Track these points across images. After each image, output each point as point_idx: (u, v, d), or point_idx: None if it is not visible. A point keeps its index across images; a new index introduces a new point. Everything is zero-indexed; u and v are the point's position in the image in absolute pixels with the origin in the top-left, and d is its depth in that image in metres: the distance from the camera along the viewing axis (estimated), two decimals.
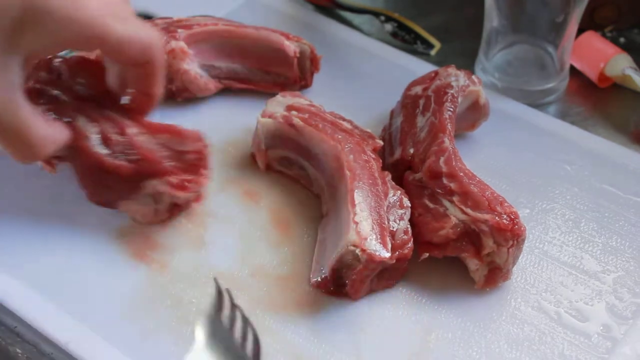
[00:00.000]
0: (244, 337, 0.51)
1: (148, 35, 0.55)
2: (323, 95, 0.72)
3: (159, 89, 0.58)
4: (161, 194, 0.58)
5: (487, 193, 0.57)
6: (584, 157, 0.67)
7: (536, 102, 0.73)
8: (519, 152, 0.67)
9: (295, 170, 0.64)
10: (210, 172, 0.60)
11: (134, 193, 0.58)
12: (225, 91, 0.72)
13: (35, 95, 0.56)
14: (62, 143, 0.55)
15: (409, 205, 0.58)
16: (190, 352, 0.50)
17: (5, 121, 0.50)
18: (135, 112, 0.59)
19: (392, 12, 0.82)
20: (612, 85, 0.75)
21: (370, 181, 0.57)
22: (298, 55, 0.70)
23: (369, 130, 0.64)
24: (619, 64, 0.73)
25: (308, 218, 0.62)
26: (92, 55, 0.66)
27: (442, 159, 0.59)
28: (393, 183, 0.59)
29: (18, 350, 0.54)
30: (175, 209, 0.60)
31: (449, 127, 0.61)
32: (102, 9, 0.51)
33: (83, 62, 0.60)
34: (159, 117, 0.60)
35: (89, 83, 0.59)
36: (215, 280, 0.53)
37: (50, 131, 0.53)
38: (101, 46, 0.52)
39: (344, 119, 0.63)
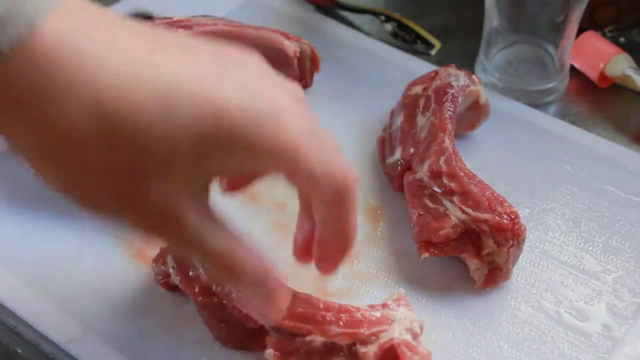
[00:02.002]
0: None
1: (343, 171, 0.45)
2: (323, 95, 0.72)
3: (354, 233, 0.47)
4: None
5: (488, 193, 0.57)
6: (584, 157, 0.67)
7: (536, 102, 0.73)
8: (519, 152, 0.67)
9: None
10: None
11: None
12: None
13: None
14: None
15: None
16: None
17: (210, 247, 0.42)
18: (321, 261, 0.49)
19: (392, 12, 0.82)
20: (612, 85, 0.75)
21: None
22: (298, 55, 0.70)
23: (368, 129, 0.64)
24: (619, 64, 0.73)
25: None
26: None
27: (442, 159, 0.59)
28: None
29: (18, 350, 0.54)
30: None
31: (449, 127, 0.61)
32: (302, 132, 0.42)
33: None
34: None
35: None
36: None
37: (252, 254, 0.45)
38: (294, 174, 0.44)
39: None
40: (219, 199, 0.63)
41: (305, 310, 0.50)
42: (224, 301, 0.51)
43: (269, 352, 0.49)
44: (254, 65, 0.44)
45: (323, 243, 0.48)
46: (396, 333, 0.49)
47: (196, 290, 0.52)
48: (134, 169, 0.39)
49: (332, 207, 0.46)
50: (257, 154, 0.41)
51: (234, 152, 0.40)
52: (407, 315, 0.50)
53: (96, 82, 0.37)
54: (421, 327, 0.51)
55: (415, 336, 0.50)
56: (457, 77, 0.65)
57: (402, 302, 0.52)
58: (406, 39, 0.80)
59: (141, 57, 0.39)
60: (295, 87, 0.45)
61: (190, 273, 0.52)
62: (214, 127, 0.39)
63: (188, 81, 0.39)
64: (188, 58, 0.40)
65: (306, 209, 0.49)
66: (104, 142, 0.37)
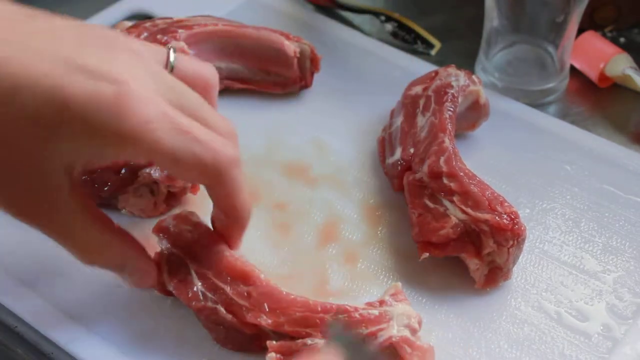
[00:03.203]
0: None
1: (212, 152, 0.45)
2: (323, 95, 0.72)
3: (242, 213, 0.50)
4: (158, 185, 0.59)
5: (488, 193, 0.57)
6: (584, 157, 0.67)
7: (536, 102, 0.73)
8: (519, 152, 0.67)
9: None
10: None
11: (130, 184, 0.58)
12: (225, 91, 0.72)
13: None
14: (125, 253, 0.50)
15: None
16: None
17: (52, 227, 0.46)
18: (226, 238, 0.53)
19: (392, 12, 0.82)
20: (612, 85, 0.75)
21: None
22: (298, 55, 0.70)
23: (368, 129, 0.64)
24: (619, 64, 0.73)
25: (309, 218, 0.62)
26: None
27: (442, 159, 0.59)
28: None
29: (18, 351, 0.54)
30: (173, 200, 0.61)
31: (449, 127, 0.61)
32: (152, 121, 0.43)
33: None
34: None
35: None
36: None
37: (107, 237, 0.48)
38: (155, 162, 0.46)
39: None
40: None
41: (304, 314, 0.50)
42: (218, 306, 0.51)
43: (271, 355, 0.49)
44: (122, 43, 0.46)
45: (215, 220, 0.52)
46: (394, 330, 0.49)
47: (189, 295, 0.52)
48: None
49: (210, 189, 0.47)
50: (104, 142, 0.42)
51: (80, 140, 0.42)
52: (405, 310, 0.51)
53: None
54: (419, 322, 0.51)
55: (414, 332, 0.50)
56: (457, 77, 0.65)
57: (399, 296, 0.52)
58: (406, 39, 0.80)
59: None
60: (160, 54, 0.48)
61: (183, 279, 0.52)
62: (57, 115, 0.41)
63: (38, 66, 0.41)
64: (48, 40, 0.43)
65: None
66: None
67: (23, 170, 0.44)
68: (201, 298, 0.52)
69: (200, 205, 0.60)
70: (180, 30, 0.68)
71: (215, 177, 0.46)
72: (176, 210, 0.61)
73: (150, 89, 0.44)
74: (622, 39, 0.80)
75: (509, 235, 0.55)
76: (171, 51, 0.49)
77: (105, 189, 0.59)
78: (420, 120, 0.63)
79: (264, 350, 0.50)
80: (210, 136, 0.46)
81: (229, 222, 0.52)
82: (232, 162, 0.46)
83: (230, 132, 0.48)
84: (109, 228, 0.48)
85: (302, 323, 0.50)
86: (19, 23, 0.44)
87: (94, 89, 0.42)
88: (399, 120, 0.64)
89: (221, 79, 0.71)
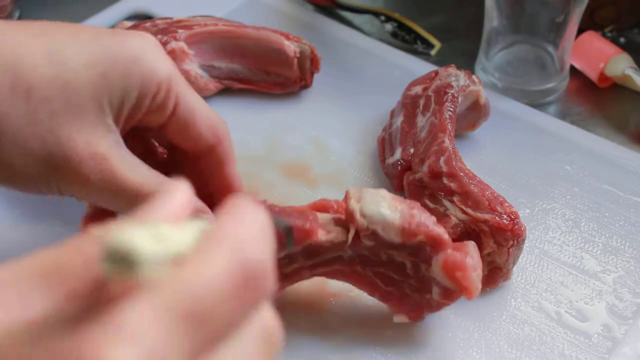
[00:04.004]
0: None
1: (219, 117, 0.50)
2: (323, 95, 0.72)
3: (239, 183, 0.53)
4: None
5: (488, 193, 0.57)
6: (584, 157, 0.67)
7: (536, 102, 0.73)
8: (519, 152, 0.67)
9: None
10: None
11: None
12: (225, 91, 0.72)
13: None
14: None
15: None
16: None
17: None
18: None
19: (392, 12, 0.82)
20: (612, 85, 0.75)
21: None
22: (298, 55, 0.70)
23: (368, 129, 0.64)
24: (619, 64, 0.73)
25: None
26: None
27: (442, 159, 0.59)
28: None
29: None
30: None
31: (449, 127, 0.61)
32: (178, 75, 0.48)
33: None
34: None
35: None
36: None
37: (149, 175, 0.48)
38: (175, 108, 0.48)
39: None
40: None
41: None
42: None
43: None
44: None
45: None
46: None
47: None
48: None
49: (208, 154, 0.50)
50: (139, 75, 0.46)
51: (120, 76, 0.46)
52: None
53: None
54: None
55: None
56: (457, 77, 0.65)
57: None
58: (406, 39, 0.80)
59: None
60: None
61: None
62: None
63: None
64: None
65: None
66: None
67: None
68: None
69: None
70: (180, 30, 0.69)
71: (221, 138, 0.50)
72: None
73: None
74: (622, 39, 0.80)
75: (509, 236, 0.55)
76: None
77: None
78: (420, 120, 0.63)
79: None
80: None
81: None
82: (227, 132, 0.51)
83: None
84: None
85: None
86: None
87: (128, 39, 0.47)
88: (399, 120, 0.64)
89: (221, 79, 0.71)
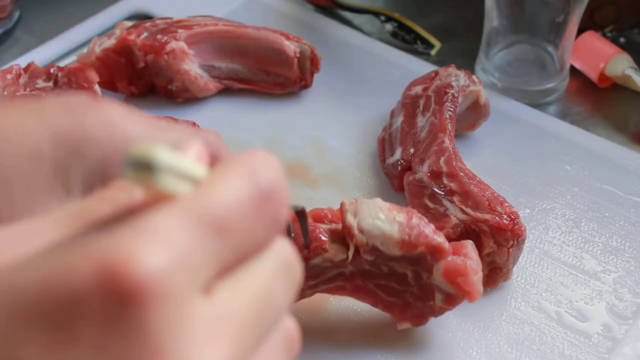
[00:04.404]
0: None
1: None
2: (323, 95, 0.72)
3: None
4: None
5: (488, 193, 0.57)
6: (584, 157, 0.67)
7: (536, 102, 0.73)
8: (519, 152, 0.67)
9: None
10: None
11: None
12: (225, 91, 0.72)
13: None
14: None
15: None
16: None
17: None
18: None
19: (392, 12, 0.82)
20: (612, 85, 0.75)
21: None
22: (298, 55, 0.70)
23: (368, 129, 0.64)
24: (619, 64, 0.73)
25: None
26: (90, 63, 0.66)
27: (442, 159, 0.59)
28: None
29: None
30: None
31: (449, 127, 0.61)
32: (138, 124, 0.41)
33: (80, 70, 0.59)
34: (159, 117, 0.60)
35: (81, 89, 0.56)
36: None
37: None
38: None
39: None
40: None
41: None
42: None
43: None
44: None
45: None
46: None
47: None
48: None
49: None
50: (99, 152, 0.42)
51: (76, 157, 0.41)
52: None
53: None
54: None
55: None
56: (457, 77, 0.65)
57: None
58: (406, 39, 0.80)
59: None
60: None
61: None
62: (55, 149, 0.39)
63: None
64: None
65: None
66: None
67: None
68: None
69: None
70: (180, 30, 0.69)
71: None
72: None
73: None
74: (622, 39, 0.80)
75: (509, 236, 0.55)
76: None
77: None
78: (420, 121, 0.63)
79: None
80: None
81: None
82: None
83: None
84: None
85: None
86: None
87: (76, 112, 0.41)
88: (399, 120, 0.64)
89: (221, 79, 0.71)
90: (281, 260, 0.29)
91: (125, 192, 0.27)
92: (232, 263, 0.27)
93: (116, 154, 0.40)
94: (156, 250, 0.24)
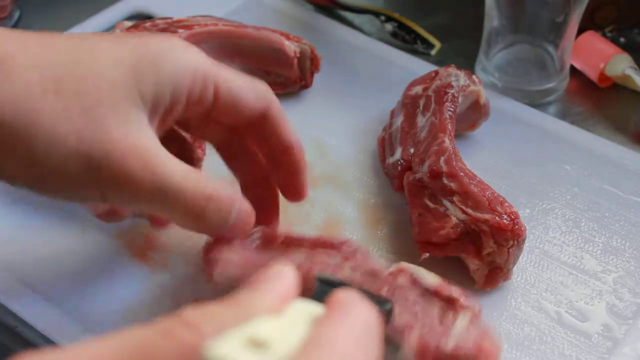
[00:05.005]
0: None
1: (261, 84, 0.51)
2: (323, 95, 0.72)
3: (299, 144, 0.53)
4: None
5: (488, 193, 0.57)
6: (584, 157, 0.67)
7: (536, 102, 0.73)
8: (519, 152, 0.67)
9: None
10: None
11: None
12: None
13: None
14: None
15: None
16: None
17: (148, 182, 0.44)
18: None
19: (392, 12, 0.82)
20: (612, 85, 0.75)
21: None
22: (298, 55, 0.70)
23: (368, 129, 0.64)
24: (619, 64, 0.73)
25: (309, 218, 0.62)
26: None
27: (442, 159, 0.59)
28: None
29: (18, 350, 0.54)
30: None
31: (449, 127, 0.61)
32: (210, 61, 0.49)
33: None
34: None
35: None
36: None
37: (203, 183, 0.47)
38: (217, 93, 0.48)
39: None
40: None
41: None
42: None
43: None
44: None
45: (259, 185, 0.54)
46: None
47: None
48: None
49: (259, 126, 0.50)
50: (172, 72, 0.47)
51: (150, 72, 0.46)
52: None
53: None
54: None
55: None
56: (457, 77, 0.65)
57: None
58: (406, 39, 0.80)
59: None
60: None
61: None
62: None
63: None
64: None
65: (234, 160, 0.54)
66: None
67: None
68: None
69: None
70: (180, 30, 0.68)
71: (269, 103, 0.50)
72: None
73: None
74: (622, 39, 0.80)
75: (509, 236, 0.55)
76: None
77: None
78: (420, 120, 0.63)
79: None
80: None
81: (287, 165, 0.53)
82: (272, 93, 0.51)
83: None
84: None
85: None
86: None
87: (153, 39, 0.47)
88: (399, 120, 0.64)
89: None
90: None
91: (185, 328, 0.28)
92: None
93: (177, 82, 0.46)
94: None
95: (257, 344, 0.25)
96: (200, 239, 0.55)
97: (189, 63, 0.47)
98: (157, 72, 0.45)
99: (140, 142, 0.44)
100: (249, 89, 0.49)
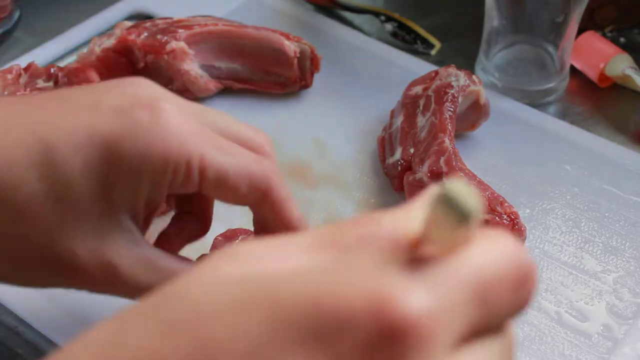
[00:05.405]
0: None
1: (259, 166, 0.44)
2: (323, 95, 0.72)
3: (301, 223, 0.46)
4: None
5: (488, 193, 0.57)
6: (584, 157, 0.67)
7: (536, 102, 0.73)
8: (519, 152, 0.67)
9: None
10: None
11: None
12: (225, 91, 0.72)
13: None
14: None
15: None
16: None
17: (146, 282, 0.42)
18: None
19: (392, 12, 0.82)
20: (612, 85, 0.75)
21: None
22: (298, 55, 0.70)
23: (368, 129, 0.64)
24: (619, 64, 0.73)
25: (309, 218, 0.62)
26: (90, 63, 0.66)
27: (442, 159, 0.59)
28: None
29: (18, 351, 0.54)
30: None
31: (449, 127, 0.61)
32: (193, 134, 0.42)
33: (80, 70, 0.59)
34: None
35: None
36: None
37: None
38: (202, 181, 0.42)
39: None
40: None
41: None
42: None
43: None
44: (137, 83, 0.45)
45: None
46: None
47: None
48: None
49: (262, 205, 0.45)
50: (151, 170, 0.41)
51: (129, 177, 0.41)
52: None
53: None
54: None
55: None
56: (457, 77, 0.65)
57: None
58: (406, 39, 0.80)
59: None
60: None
61: None
62: (101, 158, 0.40)
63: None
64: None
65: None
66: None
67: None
68: None
69: None
70: (180, 30, 0.69)
71: (267, 190, 0.44)
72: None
73: (182, 108, 0.43)
74: (622, 39, 0.80)
75: None
76: None
77: None
78: (420, 121, 0.63)
79: None
80: (245, 151, 0.45)
81: None
82: (278, 172, 0.45)
83: (268, 142, 0.47)
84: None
85: None
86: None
87: (129, 119, 0.41)
88: (399, 120, 0.64)
89: (221, 79, 0.71)
90: (508, 347, 0.29)
91: (374, 224, 0.28)
92: (477, 331, 0.28)
93: (166, 171, 0.41)
94: (427, 297, 0.25)
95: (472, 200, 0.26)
96: (202, 240, 0.55)
97: (169, 153, 0.41)
98: (134, 175, 0.41)
99: (107, 256, 0.42)
100: (240, 176, 0.43)
